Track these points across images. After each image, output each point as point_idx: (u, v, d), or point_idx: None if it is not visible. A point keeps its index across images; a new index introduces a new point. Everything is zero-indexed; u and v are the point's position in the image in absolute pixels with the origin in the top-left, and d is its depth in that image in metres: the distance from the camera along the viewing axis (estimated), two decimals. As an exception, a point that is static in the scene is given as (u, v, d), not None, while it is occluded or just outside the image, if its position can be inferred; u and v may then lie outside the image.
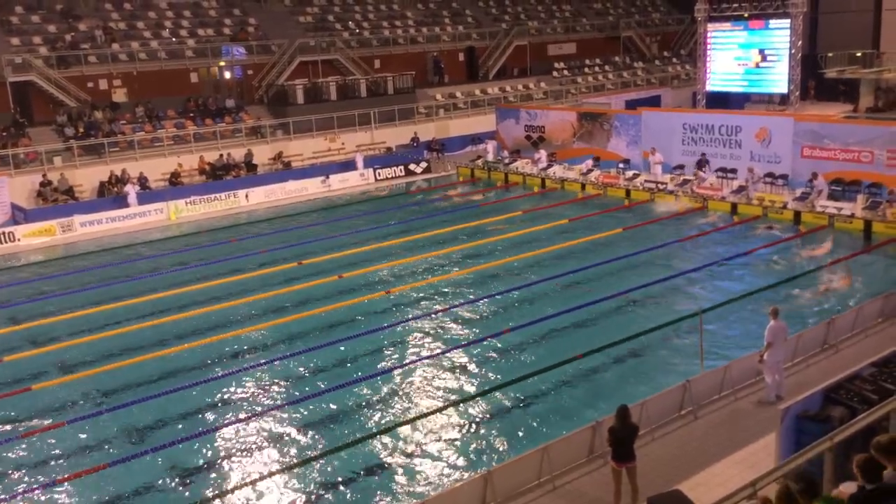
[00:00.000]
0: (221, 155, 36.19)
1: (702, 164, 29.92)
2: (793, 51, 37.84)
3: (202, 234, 29.74)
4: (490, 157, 37.40)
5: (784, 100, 39.63)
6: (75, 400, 16.29)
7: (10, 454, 14.24)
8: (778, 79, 39.18)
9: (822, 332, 15.92)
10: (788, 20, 37.79)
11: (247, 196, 33.80)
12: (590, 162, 33.47)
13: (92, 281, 24.31)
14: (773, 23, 38.78)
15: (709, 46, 41.32)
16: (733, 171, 29.52)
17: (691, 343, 16.67)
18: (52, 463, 13.91)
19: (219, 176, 35.41)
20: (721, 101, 40.96)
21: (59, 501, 12.76)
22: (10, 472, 13.70)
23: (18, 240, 29.19)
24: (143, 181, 33.58)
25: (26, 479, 13.42)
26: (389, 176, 37.28)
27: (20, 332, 20.18)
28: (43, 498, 12.82)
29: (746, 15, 39.82)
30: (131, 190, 32.11)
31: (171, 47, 39.76)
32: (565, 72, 51.98)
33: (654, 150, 31.47)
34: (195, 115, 38.18)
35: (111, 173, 33.26)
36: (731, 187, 28.79)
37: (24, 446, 14.45)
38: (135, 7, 41.74)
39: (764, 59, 39.26)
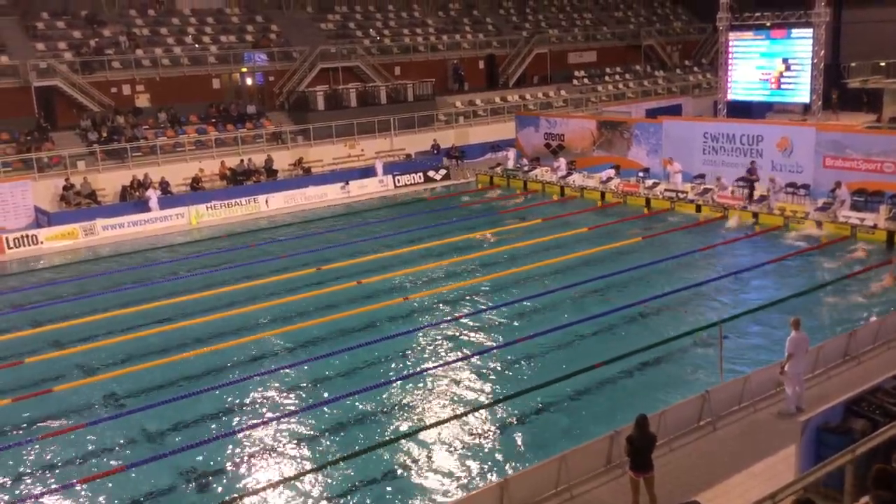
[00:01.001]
0: (242, 160, 36.42)
1: (753, 171, 28.89)
2: (815, 60, 37.59)
3: (222, 238, 29.92)
4: (510, 165, 37.42)
5: (806, 109, 39.36)
6: (95, 402, 16.42)
7: (29, 455, 14.35)
8: (800, 88, 38.91)
9: (843, 344, 15.76)
10: (811, 29, 37.55)
11: (267, 201, 33.98)
12: (611, 171, 33.33)
13: (113, 284, 24.52)
14: (795, 32, 38.53)
15: (730, 55, 41.11)
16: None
17: (710, 353, 16.58)
18: (71, 464, 14.02)
19: (239, 181, 35.62)
20: (742, 110, 40.72)
21: (77, 503, 12.85)
22: (30, 472, 13.82)
23: (41, 243, 29.49)
24: (164, 186, 33.84)
25: (45, 480, 13.53)
26: (408, 182, 37.36)
27: (42, 334, 20.37)
28: (61, 499, 12.91)
29: (768, 24, 39.62)
30: (153, 195, 32.37)
31: (194, 53, 40.09)
32: (585, 80, 51.93)
33: (671, 159, 31.32)
34: (217, 120, 38.46)
35: (133, 178, 33.54)
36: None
37: (43, 447, 14.56)
38: (158, 14, 42.16)
39: (788, 68, 38.94)
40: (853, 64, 43.23)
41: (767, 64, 39.81)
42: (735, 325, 18.13)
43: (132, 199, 33.05)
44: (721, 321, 16.47)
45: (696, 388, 14.63)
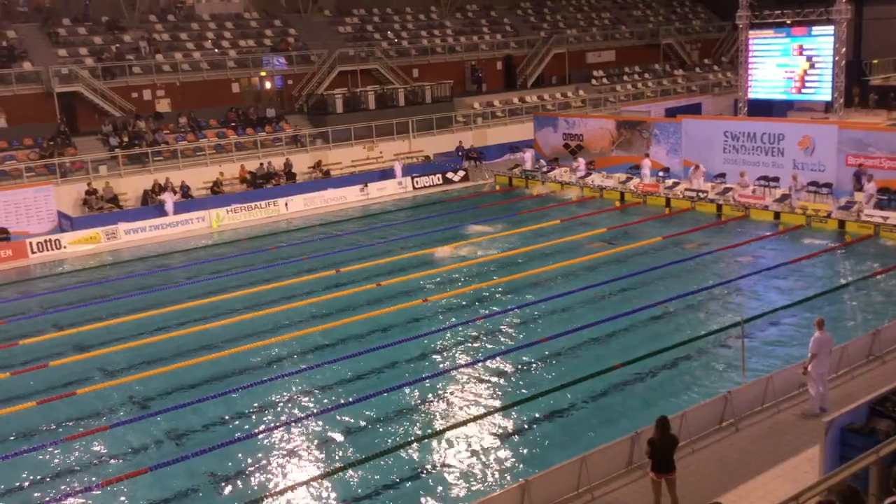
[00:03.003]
0: (262, 164, 36.61)
1: (860, 176, 26.73)
2: (836, 58, 37.22)
3: (243, 241, 30.10)
4: (528, 166, 37.36)
5: (828, 107, 38.99)
6: (118, 404, 16.56)
7: (54, 458, 14.50)
8: (819, 86, 38.53)
9: (867, 344, 15.60)
10: (832, 27, 37.20)
11: (286, 204, 34.14)
12: (648, 161, 32.58)
13: (136, 287, 24.72)
14: (816, 29, 38.15)
15: (750, 53, 40.79)
16: (776, 179, 29.13)
17: (732, 354, 16.48)
18: (94, 466, 14.14)
19: (259, 184, 35.81)
20: (763, 108, 40.39)
21: (102, 504, 12.98)
22: (54, 475, 13.95)
23: (65, 247, 29.77)
24: (185, 190, 34.09)
25: (69, 482, 13.65)
26: (427, 184, 37.40)
27: (66, 337, 20.57)
28: (85, 501, 13.02)
29: (789, 22, 39.29)
30: (168, 199, 32.51)
31: (214, 58, 40.37)
32: (604, 80, 51.75)
33: (697, 166, 30.83)
34: (236, 124, 38.70)
35: (154, 182, 33.81)
36: (773, 196, 28.39)
37: (67, 450, 14.70)
38: (178, 19, 42.51)
39: (812, 66, 38.45)
40: (875, 61, 42.76)
41: (789, 62, 39.41)
42: (758, 325, 18.01)
43: (153, 203, 33.30)
44: (743, 321, 16.36)
45: (718, 388, 14.54)
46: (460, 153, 40.58)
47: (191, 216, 32.28)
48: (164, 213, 32.22)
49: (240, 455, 14.13)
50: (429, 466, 13.41)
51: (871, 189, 25.69)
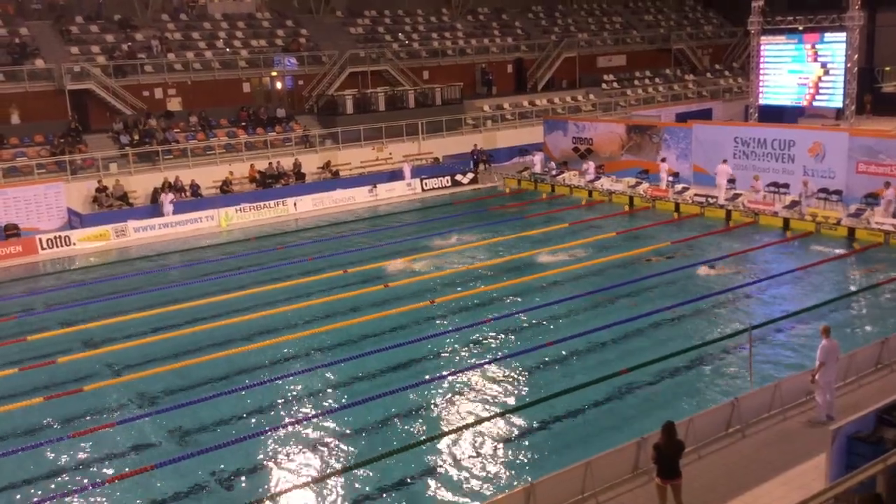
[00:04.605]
0: (271, 163, 36.69)
1: None
2: (848, 65, 37.08)
3: (251, 241, 30.16)
4: (537, 169, 37.32)
5: (839, 114, 38.84)
6: (126, 401, 16.61)
7: (60, 454, 14.55)
8: (833, 93, 38.38)
9: (875, 352, 15.53)
10: (844, 34, 37.06)
11: (295, 204, 34.20)
12: (666, 166, 32.45)
13: (144, 285, 24.79)
14: (828, 36, 38.02)
15: (762, 59, 40.66)
16: (786, 185, 29.03)
17: (740, 360, 16.44)
18: (101, 463, 14.19)
19: (268, 184, 35.88)
20: (774, 115, 40.26)
21: (107, 501, 12.99)
22: (60, 471, 14.00)
23: (74, 244, 29.89)
24: (194, 188, 34.18)
25: (75, 478, 13.70)
26: (436, 186, 37.40)
27: (74, 333, 20.64)
28: (91, 498, 13.06)
29: (801, 28, 39.15)
30: (165, 200, 32.36)
31: (225, 58, 40.49)
32: (615, 84, 51.70)
33: (725, 161, 30.59)
34: (247, 124, 38.79)
35: (164, 180, 33.90)
36: (783, 202, 28.30)
37: (74, 446, 14.75)
38: (190, 18, 42.66)
39: (827, 72, 38.23)
40: (887, 68, 42.59)
41: (802, 68, 39.20)
42: (766, 332, 17.95)
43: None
44: (751, 328, 16.30)
45: (726, 394, 14.49)
46: (475, 156, 40.33)
47: (199, 215, 32.35)
48: (172, 212, 32.27)
49: (246, 453, 14.14)
50: (432, 469, 13.39)
51: (890, 195, 25.45)
